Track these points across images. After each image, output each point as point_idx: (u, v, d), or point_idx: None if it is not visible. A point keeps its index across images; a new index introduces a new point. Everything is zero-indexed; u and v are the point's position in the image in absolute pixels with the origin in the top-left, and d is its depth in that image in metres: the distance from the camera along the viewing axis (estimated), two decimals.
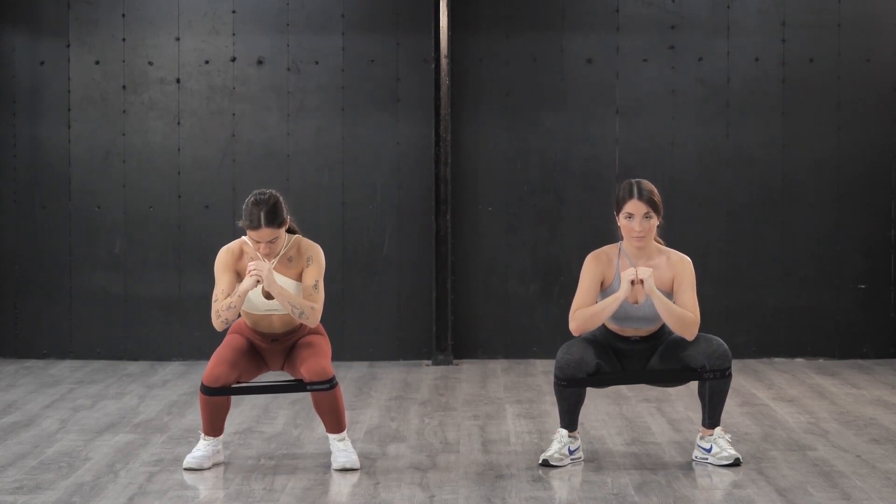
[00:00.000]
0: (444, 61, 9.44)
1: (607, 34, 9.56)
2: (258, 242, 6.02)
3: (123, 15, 9.61)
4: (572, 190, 9.63)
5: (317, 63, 9.63)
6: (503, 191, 9.66)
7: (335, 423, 6.19)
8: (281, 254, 6.14)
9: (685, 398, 7.92)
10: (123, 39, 9.61)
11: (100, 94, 9.64)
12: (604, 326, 6.27)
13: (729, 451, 6.16)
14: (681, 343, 6.19)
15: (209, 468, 6.18)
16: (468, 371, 9.20)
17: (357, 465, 6.17)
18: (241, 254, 6.17)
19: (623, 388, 8.29)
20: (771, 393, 8.20)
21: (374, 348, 9.66)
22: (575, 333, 6.13)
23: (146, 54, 9.62)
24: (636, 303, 6.07)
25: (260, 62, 9.61)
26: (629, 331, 6.24)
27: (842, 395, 8.12)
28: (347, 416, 7.27)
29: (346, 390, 8.33)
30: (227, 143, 9.63)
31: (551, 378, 8.72)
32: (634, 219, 6.08)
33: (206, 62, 9.63)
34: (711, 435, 6.22)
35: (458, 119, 9.61)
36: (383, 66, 9.62)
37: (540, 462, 6.20)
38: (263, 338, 6.26)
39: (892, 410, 7.57)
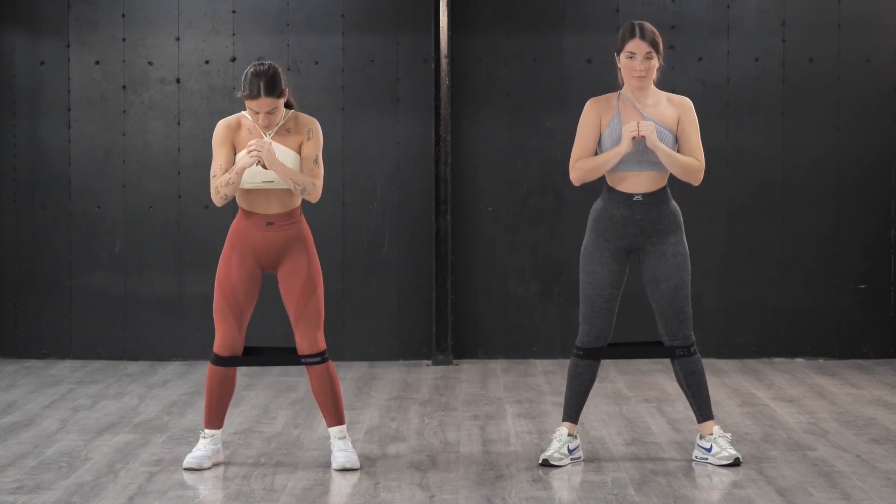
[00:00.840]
0: (444, 61, 9.44)
1: (607, 34, 9.56)
2: (257, 113, 6.04)
3: (123, 15, 9.61)
4: (572, 190, 9.62)
5: (317, 63, 9.63)
6: (503, 191, 9.66)
7: (334, 411, 6.18)
8: (279, 125, 6.15)
9: (685, 398, 7.91)
10: (123, 39, 9.62)
11: (100, 94, 9.64)
12: (606, 188, 6.23)
13: (729, 450, 6.17)
14: (667, 291, 6.15)
15: (209, 468, 6.18)
16: (468, 371, 9.20)
17: (357, 465, 6.17)
18: (238, 126, 6.17)
19: (623, 388, 8.30)
20: (771, 393, 8.20)
21: (374, 348, 9.66)
22: (575, 184, 6.20)
23: (146, 54, 9.62)
24: (639, 137, 6.06)
25: None
26: (630, 180, 6.16)
27: (842, 395, 8.12)
28: (347, 415, 7.28)
29: (346, 390, 8.33)
30: None
31: (551, 378, 8.76)
32: (636, 58, 6.12)
33: (206, 62, 9.63)
34: (711, 434, 6.22)
35: (458, 119, 9.61)
36: (383, 66, 9.62)
37: (540, 462, 6.20)
38: (258, 223, 6.17)
39: (892, 410, 7.57)
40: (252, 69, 6.08)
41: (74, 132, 9.65)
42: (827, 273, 9.60)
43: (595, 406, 7.66)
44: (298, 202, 6.23)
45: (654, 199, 6.19)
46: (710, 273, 9.47)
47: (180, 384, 8.64)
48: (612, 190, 6.22)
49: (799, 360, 9.58)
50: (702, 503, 5.55)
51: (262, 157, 5.97)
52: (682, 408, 7.65)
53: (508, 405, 7.85)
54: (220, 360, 6.20)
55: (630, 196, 6.18)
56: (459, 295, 9.65)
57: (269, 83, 6.03)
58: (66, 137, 9.64)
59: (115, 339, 9.66)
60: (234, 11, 9.61)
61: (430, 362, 9.51)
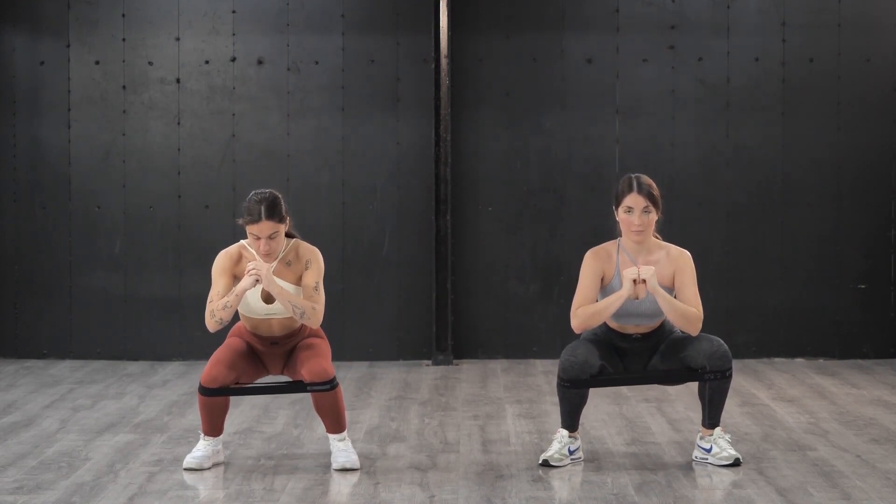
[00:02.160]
0: (444, 61, 9.44)
1: (607, 34, 9.56)
2: (258, 239, 6.01)
3: (123, 15, 9.61)
4: (572, 190, 9.63)
5: (317, 63, 9.63)
6: (503, 191, 9.66)
7: (335, 424, 6.19)
8: (280, 257, 6.14)
9: (685, 398, 7.92)
10: (123, 39, 9.62)
11: (100, 94, 9.64)
12: (605, 325, 6.26)
13: (729, 451, 6.16)
14: (682, 342, 6.19)
15: (209, 468, 6.18)
16: (468, 371, 9.20)
17: (357, 465, 6.17)
18: (239, 258, 6.16)
19: (623, 388, 8.29)
20: (771, 393, 8.20)
21: (374, 348, 9.66)
22: (577, 331, 6.13)
23: (146, 54, 9.62)
24: (636, 298, 6.06)
25: (260, 62, 9.61)
26: (630, 328, 6.22)
27: (842, 395, 8.12)
28: (347, 416, 7.27)
29: (346, 390, 8.33)
30: (227, 143, 9.63)
31: (551, 378, 8.75)
32: (634, 213, 6.08)
33: (206, 62, 9.63)
34: (711, 435, 6.22)
35: (458, 119, 9.61)
36: (383, 66, 9.63)
37: (540, 462, 6.20)
38: (262, 341, 6.25)
39: (892, 410, 7.57)
40: (252, 195, 6.03)
41: (74, 132, 9.65)
42: (827, 273, 9.60)
43: (595, 406, 7.66)
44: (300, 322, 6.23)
45: (654, 335, 6.25)
46: (710, 273, 9.46)
47: (180, 384, 8.64)
48: (611, 328, 6.26)
49: (799, 360, 9.58)
50: (702, 503, 5.55)
51: (261, 277, 5.94)
52: (682, 408, 7.65)
53: (508, 405, 7.85)
54: (208, 392, 6.14)
55: (630, 335, 6.24)
56: (459, 295, 9.65)
57: (269, 207, 5.96)
58: (66, 137, 9.64)
59: (115, 339, 9.66)
60: (234, 11, 9.61)
61: (430, 362, 9.51)
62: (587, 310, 6.08)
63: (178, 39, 9.61)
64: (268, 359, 6.30)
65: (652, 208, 6.08)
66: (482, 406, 7.84)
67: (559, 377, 6.13)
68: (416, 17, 9.59)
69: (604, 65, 9.59)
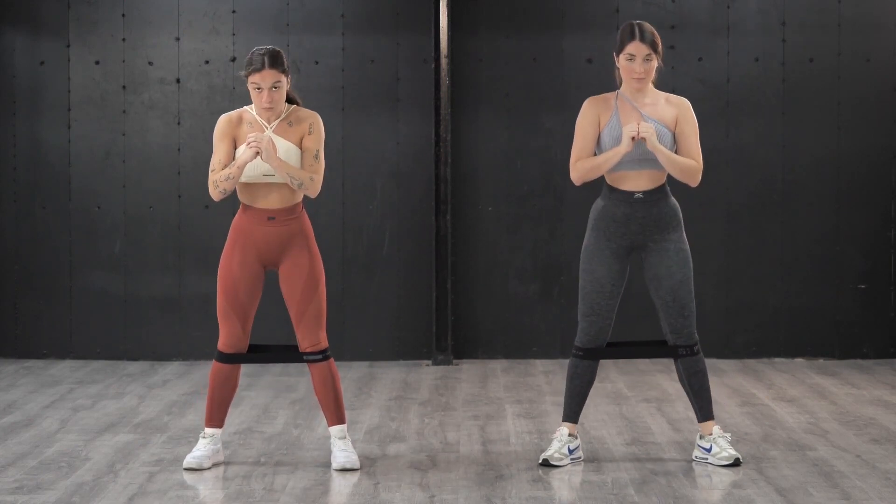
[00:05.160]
0: (444, 61, 9.44)
1: (607, 34, 9.56)
2: (260, 90, 6.05)
3: (123, 15, 9.61)
4: (572, 190, 9.63)
5: (317, 63, 9.63)
6: (503, 191, 9.66)
7: (334, 408, 6.18)
8: (281, 118, 6.16)
9: (685, 398, 7.92)
10: (123, 39, 9.62)
11: (100, 94, 9.64)
12: (606, 188, 6.23)
13: (729, 451, 6.17)
14: (671, 288, 6.17)
15: (209, 468, 6.19)
16: (468, 371, 9.20)
17: (357, 465, 6.17)
18: (240, 120, 6.19)
19: (623, 388, 8.30)
20: (771, 393, 8.20)
21: (374, 348, 9.66)
22: (576, 183, 6.21)
23: (146, 54, 9.62)
24: (639, 139, 6.07)
25: None
26: (630, 179, 6.16)
27: (842, 395, 8.13)
28: (347, 415, 7.28)
29: (346, 390, 8.33)
30: None
31: (551, 378, 8.76)
32: (636, 60, 6.14)
33: (206, 62, 9.63)
34: (711, 434, 6.23)
35: (458, 119, 9.61)
36: (383, 66, 9.63)
37: (540, 462, 6.21)
38: (259, 218, 6.16)
39: (892, 410, 7.58)
40: (255, 48, 6.15)
41: (74, 132, 9.65)
42: (827, 273, 9.60)
43: (595, 406, 7.66)
44: (300, 197, 6.23)
45: (654, 197, 6.20)
46: (710, 273, 9.47)
47: (180, 384, 8.64)
48: (612, 189, 6.22)
49: (799, 360, 9.58)
50: (702, 503, 5.55)
51: (261, 150, 5.97)
52: (682, 408, 7.65)
53: (508, 405, 7.85)
54: (224, 357, 6.20)
55: (631, 194, 6.19)
56: (459, 295, 9.65)
57: (272, 56, 6.07)
58: (66, 137, 9.65)
59: (115, 339, 9.66)
60: (234, 11, 9.61)
61: (430, 362, 9.51)
62: (585, 163, 6.15)
63: (178, 39, 9.62)
64: (263, 250, 6.17)
65: (654, 56, 6.15)
66: (482, 406, 7.84)
67: (575, 347, 6.20)
68: (416, 17, 9.59)
69: (604, 65, 9.58)
